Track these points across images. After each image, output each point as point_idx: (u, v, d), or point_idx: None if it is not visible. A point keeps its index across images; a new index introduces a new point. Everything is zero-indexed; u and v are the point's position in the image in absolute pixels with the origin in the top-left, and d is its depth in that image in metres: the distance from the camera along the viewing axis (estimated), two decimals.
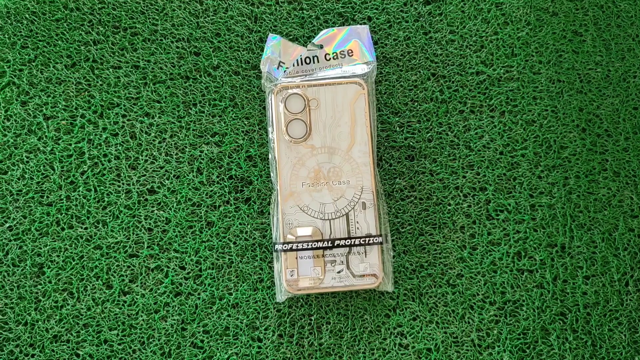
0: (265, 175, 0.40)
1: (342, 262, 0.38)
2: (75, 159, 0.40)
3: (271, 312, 0.40)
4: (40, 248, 0.40)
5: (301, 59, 0.40)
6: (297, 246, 0.38)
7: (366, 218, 0.38)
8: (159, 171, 0.40)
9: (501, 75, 0.41)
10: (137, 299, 0.40)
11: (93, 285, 0.40)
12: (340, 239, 0.38)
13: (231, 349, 0.39)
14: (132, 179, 0.40)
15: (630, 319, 0.40)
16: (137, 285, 0.40)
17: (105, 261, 0.40)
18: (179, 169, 0.40)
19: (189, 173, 0.40)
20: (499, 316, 0.40)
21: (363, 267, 0.38)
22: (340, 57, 0.40)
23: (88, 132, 0.41)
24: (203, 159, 0.40)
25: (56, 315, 0.40)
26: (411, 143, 0.40)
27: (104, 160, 0.40)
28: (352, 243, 0.38)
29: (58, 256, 0.40)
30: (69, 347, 0.39)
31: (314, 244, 0.38)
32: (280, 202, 0.38)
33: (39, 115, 0.41)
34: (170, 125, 0.41)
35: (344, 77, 0.39)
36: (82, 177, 0.40)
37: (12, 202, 0.40)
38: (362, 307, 0.40)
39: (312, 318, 0.40)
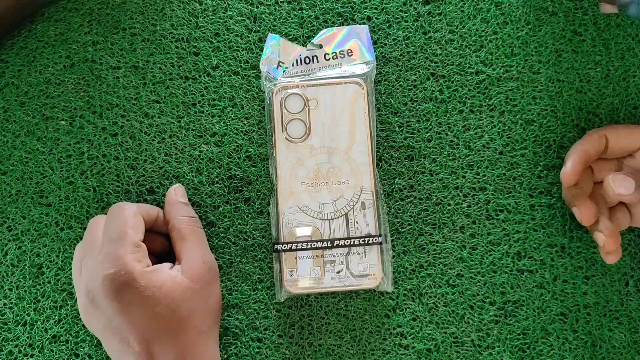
0: (264, 175, 0.40)
1: (342, 262, 0.38)
2: (75, 160, 0.40)
3: (271, 312, 0.40)
4: (40, 248, 0.40)
5: (300, 58, 0.40)
6: (297, 246, 0.38)
7: (365, 218, 0.38)
8: (159, 171, 0.40)
9: (501, 75, 0.41)
10: None
11: None
12: (339, 239, 0.38)
13: (231, 349, 0.39)
14: (131, 179, 0.40)
15: (630, 319, 0.40)
16: None
17: None
18: (178, 169, 0.40)
19: (189, 173, 0.40)
20: (499, 316, 0.39)
21: (363, 267, 0.38)
22: (340, 57, 0.40)
23: (87, 132, 0.41)
24: (202, 159, 0.40)
25: (55, 315, 0.40)
26: (410, 143, 0.40)
27: (103, 161, 0.40)
28: (352, 243, 0.38)
29: (57, 256, 0.40)
30: (68, 347, 0.39)
31: (314, 244, 0.38)
32: (279, 202, 0.38)
33: (37, 115, 0.41)
34: (170, 125, 0.41)
35: (344, 77, 0.39)
36: (81, 178, 0.40)
37: (11, 203, 0.40)
38: (361, 307, 0.40)
39: (312, 318, 0.40)
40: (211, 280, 0.36)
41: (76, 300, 0.39)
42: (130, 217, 0.35)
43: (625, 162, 0.38)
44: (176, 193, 0.39)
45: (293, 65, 0.40)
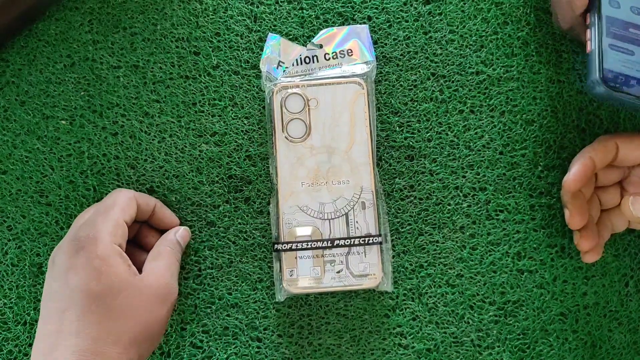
0: (264, 175, 0.40)
1: (342, 262, 0.38)
2: (75, 159, 0.40)
3: (271, 312, 0.40)
4: (40, 248, 0.40)
5: (301, 58, 0.40)
6: (297, 246, 0.38)
7: (365, 218, 0.38)
8: (159, 171, 0.40)
9: (501, 75, 0.41)
10: None
11: None
12: (339, 239, 0.38)
13: (230, 349, 0.39)
14: (131, 178, 0.40)
15: (630, 320, 0.40)
16: None
17: None
18: (178, 169, 0.40)
19: (189, 173, 0.40)
20: (499, 316, 0.40)
21: (362, 267, 0.38)
22: (340, 56, 0.40)
23: (87, 131, 0.41)
24: (202, 159, 0.40)
25: None
26: (411, 143, 0.40)
27: (104, 160, 0.40)
28: (352, 243, 0.38)
29: None
30: None
31: (314, 244, 0.38)
32: (279, 202, 0.38)
33: (38, 115, 0.41)
34: (170, 124, 0.41)
35: (344, 76, 0.39)
36: (81, 177, 0.40)
37: (12, 202, 0.40)
38: (361, 307, 0.40)
39: (312, 318, 0.40)
40: (163, 299, 0.34)
41: None
42: (123, 198, 0.35)
43: (633, 171, 0.37)
44: (177, 232, 0.38)
45: (293, 65, 0.40)
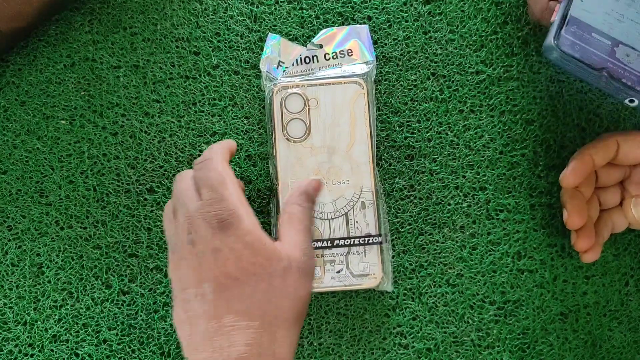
0: (264, 175, 0.40)
1: (342, 261, 0.38)
2: (75, 159, 0.40)
3: None
4: (40, 248, 0.40)
5: (301, 58, 0.40)
6: None
7: (366, 218, 0.38)
8: (159, 170, 0.40)
9: (501, 75, 0.41)
10: (136, 298, 0.39)
11: (92, 284, 0.40)
12: (339, 239, 0.38)
13: None
14: (131, 178, 0.40)
15: (630, 319, 0.40)
16: (136, 285, 0.40)
17: (104, 261, 0.40)
18: (178, 169, 0.40)
19: None
20: (499, 316, 0.40)
21: (362, 266, 0.38)
22: (340, 56, 0.40)
23: (87, 131, 0.41)
24: None
25: (55, 315, 0.40)
26: (411, 142, 0.40)
27: (104, 160, 0.40)
28: (352, 243, 0.38)
29: (57, 256, 0.40)
30: (68, 346, 0.39)
31: (313, 244, 0.38)
32: (279, 202, 0.38)
33: (38, 115, 0.41)
34: (170, 124, 0.41)
35: (344, 76, 0.39)
36: (81, 177, 0.40)
37: (12, 202, 0.40)
38: (361, 306, 0.40)
39: (312, 317, 0.40)
40: (309, 272, 0.32)
41: (76, 299, 0.39)
42: (222, 168, 0.33)
43: (634, 171, 0.37)
44: (312, 183, 0.36)
45: (293, 64, 0.40)
